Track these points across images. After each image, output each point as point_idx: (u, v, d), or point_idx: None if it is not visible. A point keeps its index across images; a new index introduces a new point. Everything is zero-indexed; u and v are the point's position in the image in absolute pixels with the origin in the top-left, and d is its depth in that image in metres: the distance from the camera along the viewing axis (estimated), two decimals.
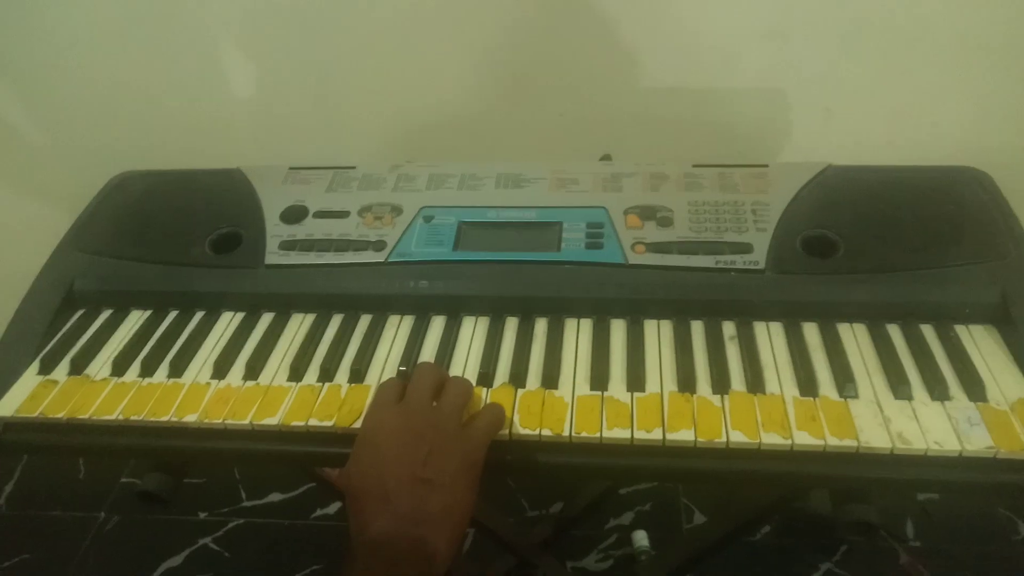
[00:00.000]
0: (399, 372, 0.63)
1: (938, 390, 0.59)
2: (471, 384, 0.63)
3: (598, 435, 0.59)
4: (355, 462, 0.56)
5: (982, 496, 0.59)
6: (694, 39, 1.04)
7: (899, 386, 0.60)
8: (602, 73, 1.08)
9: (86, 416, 0.64)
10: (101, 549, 1.41)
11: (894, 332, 0.65)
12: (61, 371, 0.69)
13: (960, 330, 0.65)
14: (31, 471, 1.56)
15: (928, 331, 0.65)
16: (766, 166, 0.78)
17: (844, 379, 0.61)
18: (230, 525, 1.43)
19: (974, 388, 0.59)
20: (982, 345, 0.63)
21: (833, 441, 0.57)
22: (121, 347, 0.71)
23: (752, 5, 0.99)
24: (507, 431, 0.60)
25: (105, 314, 0.75)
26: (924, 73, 1.04)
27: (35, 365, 0.69)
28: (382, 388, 0.61)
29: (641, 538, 1.32)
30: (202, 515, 1.45)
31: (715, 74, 1.07)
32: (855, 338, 0.65)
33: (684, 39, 1.04)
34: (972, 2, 0.96)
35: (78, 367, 0.69)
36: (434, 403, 0.59)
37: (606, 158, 0.85)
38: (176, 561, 1.38)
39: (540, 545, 1.12)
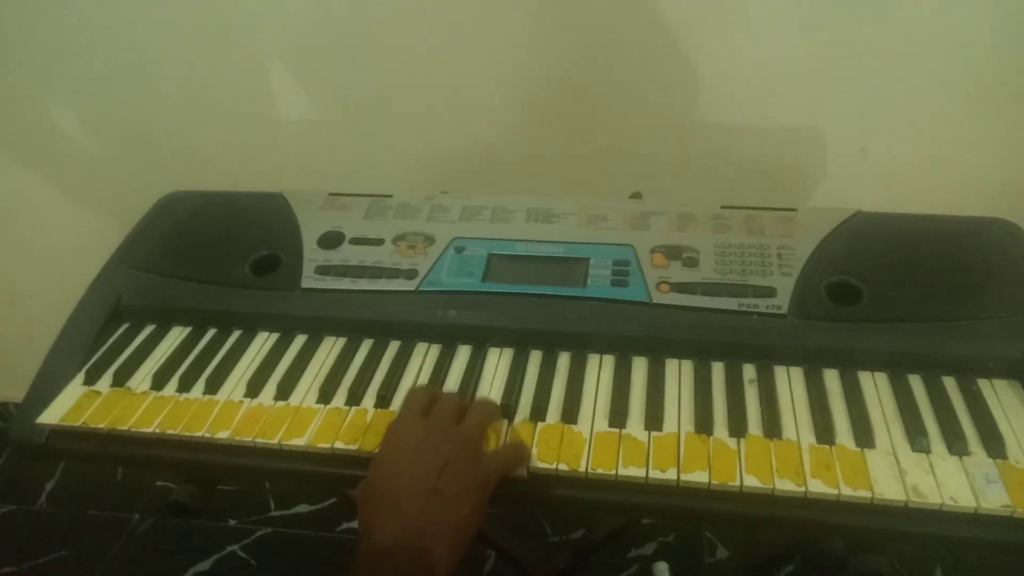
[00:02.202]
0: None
1: (956, 444, 0.59)
2: (497, 407, 0.64)
3: (614, 472, 0.60)
4: (373, 468, 0.58)
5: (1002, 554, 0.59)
6: (731, 76, 1.05)
7: (917, 438, 0.60)
8: (638, 108, 1.09)
9: (125, 428, 0.68)
10: (133, 550, 1.45)
11: (915, 383, 0.66)
12: (104, 383, 0.72)
13: (983, 384, 0.65)
14: (71, 471, 1.61)
15: (950, 383, 0.65)
16: (795, 210, 0.79)
17: (862, 428, 0.61)
18: (258, 534, 1.47)
19: (993, 444, 0.59)
20: (1004, 400, 0.63)
21: (847, 491, 0.57)
22: (161, 362, 0.74)
23: (789, 43, 1.00)
24: (525, 467, 0.61)
25: (148, 329, 0.79)
26: (962, 118, 1.03)
27: (80, 376, 0.73)
28: (410, 398, 0.63)
29: (663, 570, 1.32)
30: (232, 522, 1.48)
31: (751, 112, 1.08)
32: (875, 387, 0.66)
33: (721, 76, 1.05)
34: (1013, 48, 0.96)
35: (120, 379, 0.72)
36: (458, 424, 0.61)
37: (636, 195, 0.87)
38: (204, 566, 1.41)
39: (559, 573, 1.12)
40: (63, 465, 1.62)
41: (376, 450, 0.61)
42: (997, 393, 0.64)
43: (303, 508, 1.51)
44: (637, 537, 1.42)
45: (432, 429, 0.58)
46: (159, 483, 1.57)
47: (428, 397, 0.62)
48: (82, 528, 1.50)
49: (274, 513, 1.50)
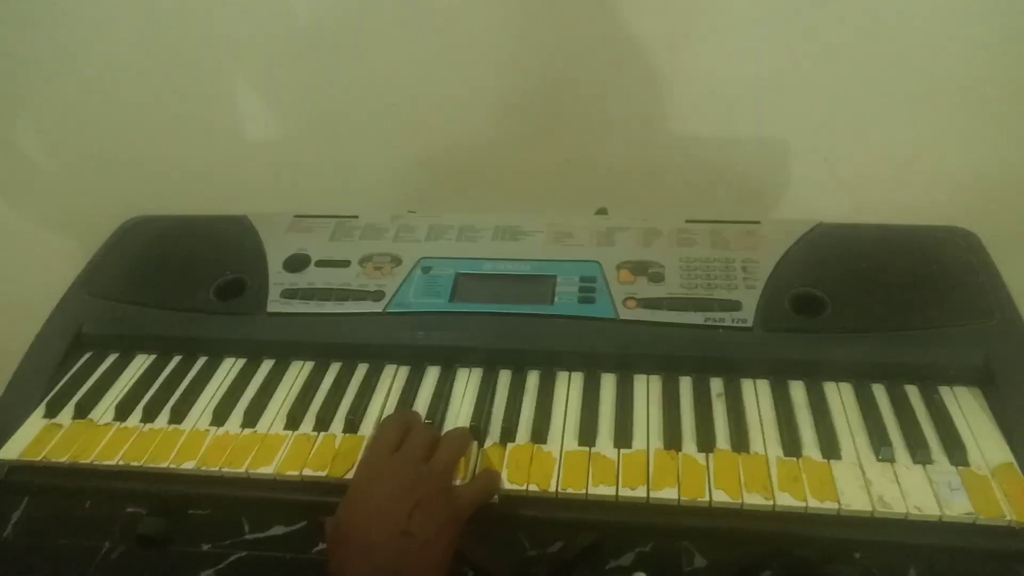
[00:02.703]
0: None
1: (920, 453, 0.60)
2: (468, 439, 0.64)
3: (584, 491, 0.60)
4: (345, 508, 0.58)
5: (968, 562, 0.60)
6: (697, 89, 1.06)
7: (882, 448, 0.61)
8: (605, 122, 1.10)
9: (88, 461, 0.66)
10: None
11: (879, 392, 0.66)
12: (66, 415, 0.71)
13: (945, 391, 0.66)
14: (38, 502, 1.57)
15: (913, 392, 0.66)
16: (758, 223, 0.80)
17: (827, 440, 0.62)
18: (232, 558, 1.44)
19: (956, 452, 0.60)
20: (966, 408, 0.64)
21: (814, 503, 0.57)
22: (125, 392, 0.73)
23: (753, 55, 1.01)
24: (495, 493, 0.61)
25: (111, 358, 0.77)
26: (925, 125, 1.05)
27: (41, 408, 0.71)
28: (380, 432, 0.63)
29: None
30: (205, 547, 1.46)
31: (717, 124, 1.09)
32: (840, 398, 0.66)
33: (687, 89, 1.06)
34: (972, 59, 0.98)
35: (83, 411, 0.71)
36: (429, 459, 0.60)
37: (602, 211, 0.87)
38: None
39: None
40: (28, 496, 1.58)
41: (347, 481, 0.61)
42: (959, 400, 0.65)
43: (278, 530, 1.49)
44: (615, 548, 1.42)
45: (403, 468, 0.58)
46: (129, 510, 1.54)
47: (398, 431, 0.62)
48: (51, 559, 1.46)
49: (248, 536, 1.48)
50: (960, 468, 0.59)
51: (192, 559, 1.43)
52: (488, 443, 0.65)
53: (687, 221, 0.81)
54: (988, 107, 1.02)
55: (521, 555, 1.41)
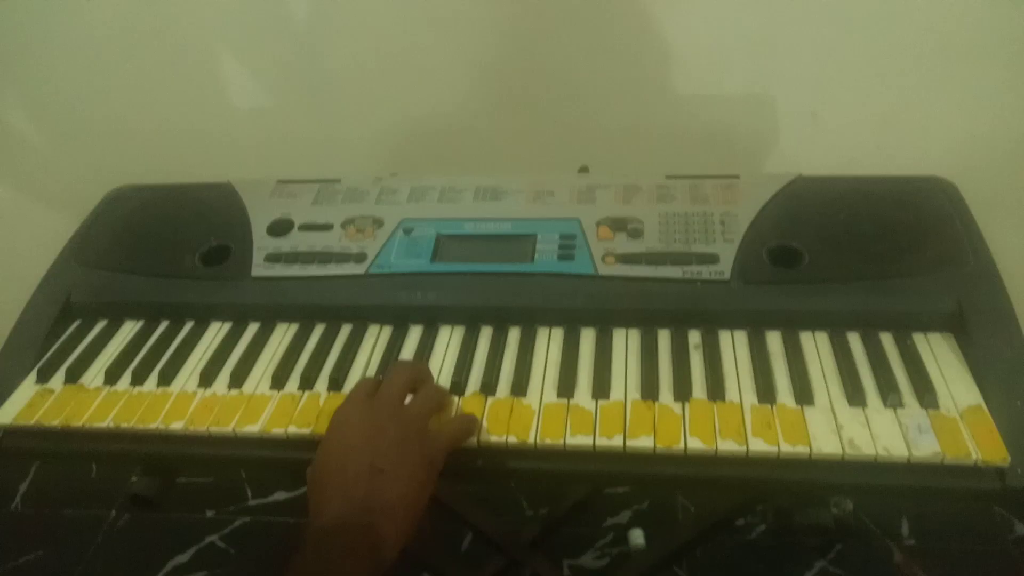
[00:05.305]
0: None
1: (891, 397, 0.61)
2: (447, 393, 0.65)
3: (562, 442, 0.61)
4: (320, 451, 0.59)
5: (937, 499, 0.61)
6: (684, 46, 1.05)
7: (854, 393, 0.62)
8: (590, 82, 1.10)
9: (79, 424, 0.68)
10: (111, 546, 1.45)
11: (854, 340, 0.67)
12: (57, 380, 0.72)
13: (918, 338, 0.67)
14: (45, 471, 1.60)
15: (887, 339, 0.67)
16: (737, 177, 0.80)
17: (801, 387, 0.63)
18: (236, 523, 1.47)
19: (926, 396, 0.61)
20: (938, 353, 0.65)
21: (786, 448, 0.59)
22: (114, 357, 0.74)
23: (739, 12, 1.01)
24: (476, 438, 0.62)
25: (100, 325, 0.79)
26: (910, 79, 1.05)
27: (33, 375, 0.73)
28: (357, 385, 0.64)
29: (637, 536, 1.34)
30: (209, 513, 1.49)
31: (705, 81, 1.09)
32: (816, 347, 0.67)
33: (674, 46, 1.05)
34: (955, 10, 0.97)
35: (73, 376, 0.72)
36: (406, 402, 0.61)
37: (583, 170, 0.87)
38: (184, 558, 1.42)
39: (530, 544, 1.14)
40: (36, 465, 1.61)
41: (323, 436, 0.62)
42: (931, 346, 0.66)
43: (280, 495, 1.51)
44: (612, 506, 1.44)
45: (377, 410, 0.59)
46: (134, 479, 1.57)
47: (375, 382, 0.63)
48: (59, 527, 1.49)
49: (251, 502, 1.51)
50: (930, 411, 0.60)
51: (195, 525, 1.46)
52: (468, 396, 0.66)
53: (667, 177, 0.81)
54: (972, 60, 1.01)
55: (519, 515, 1.44)
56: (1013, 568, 1.28)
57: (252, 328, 0.76)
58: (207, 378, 0.71)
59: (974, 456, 0.56)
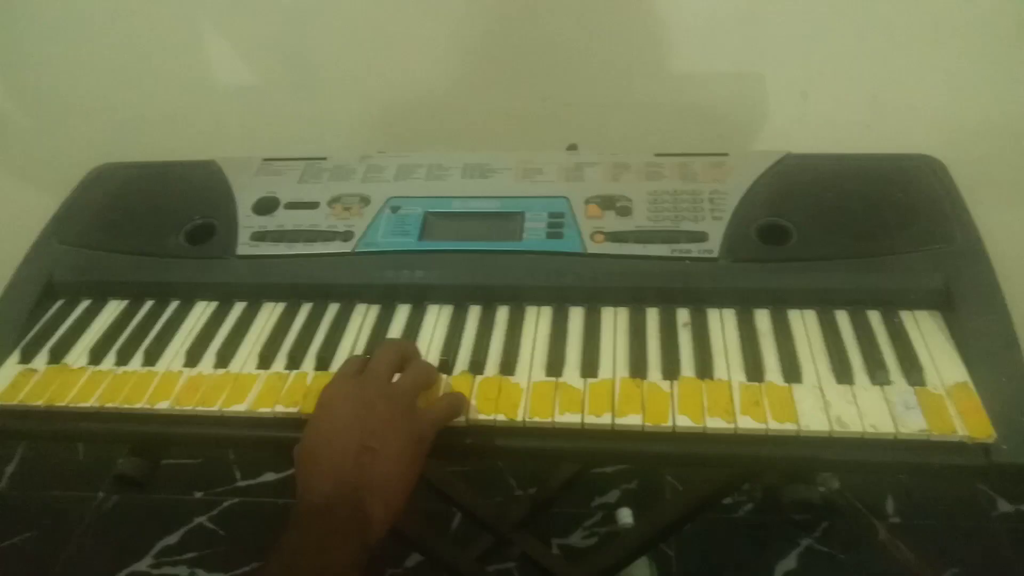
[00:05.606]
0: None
1: (878, 375, 0.61)
2: (434, 369, 0.65)
3: (550, 420, 0.61)
4: (308, 429, 0.59)
5: (937, 476, 0.62)
6: (674, 24, 1.04)
7: (842, 371, 0.62)
8: (580, 60, 1.09)
9: (64, 403, 0.67)
10: (99, 527, 1.45)
11: (842, 318, 0.67)
12: (40, 360, 0.72)
13: (905, 316, 0.67)
14: (32, 453, 1.60)
15: (875, 317, 0.67)
16: (726, 155, 0.80)
17: (790, 365, 0.63)
18: (225, 504, 1.47)
19: (913, 373, 0.61)
20: (925, 330, 0.65)
21: (774, 425, 0.59)
22: (98, 337, 0.73)
23: None
24: (464, 417, 0.62)
25: (84, 304, 0.78)
26: (899, 59, 1.04)
27: (16, 354, 0.72)
28: (345, 363, 0.64)
29: (626, 515, 1.35)
30: (197, 494, 1.49)
31: (692, 59, 1.08)
32: (804, 325, 0.67)
33: (665, 24, 1.04)
34: None
35: (57, 356, 0.72)
36: (394, 380, 0.61)
37: (572, 147, 0.87)
38: (172, 539, 1.42)
39: (518, 523, 1.15)
40: (22, 447, 1.60)
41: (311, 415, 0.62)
42: (919, 324, 0.66)
43: (269, 476, 1.52)
44: (601, 486, 1.45)
45: (365, 387, 0.59)
46: (121, 460, 1.56)
47: (362, 361, 0.63)
48: (47, 509, 1.49)
49: (240, 483, 1.51)
50: (917, 388, 0.60)
51: (184, 506, 1.46)
52: (457, 375, 0.66)
53: (656, 155, 0.81)
54: (961, 39, 1.01)
55: (507, 495, 1.44)
56: (997, 544, 1.30)
57: (238, 307, 0.75)
58: (193, 357, 0.70)
59: (960, 432, 0.56)
